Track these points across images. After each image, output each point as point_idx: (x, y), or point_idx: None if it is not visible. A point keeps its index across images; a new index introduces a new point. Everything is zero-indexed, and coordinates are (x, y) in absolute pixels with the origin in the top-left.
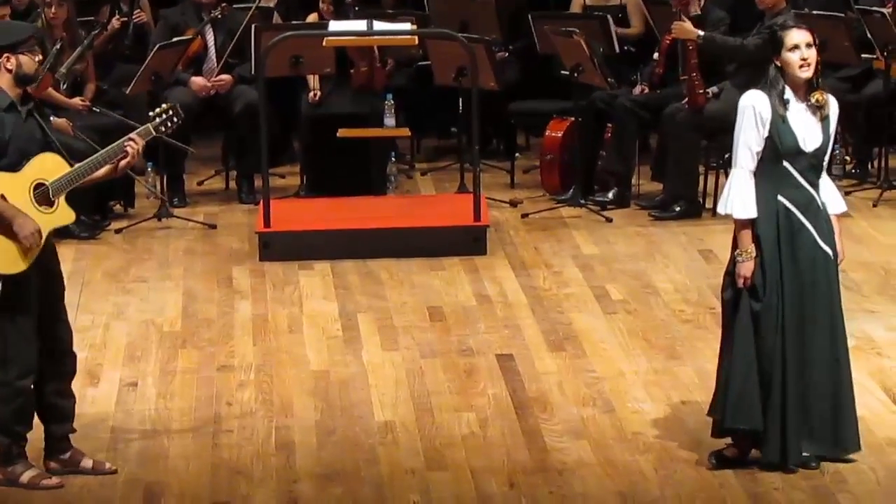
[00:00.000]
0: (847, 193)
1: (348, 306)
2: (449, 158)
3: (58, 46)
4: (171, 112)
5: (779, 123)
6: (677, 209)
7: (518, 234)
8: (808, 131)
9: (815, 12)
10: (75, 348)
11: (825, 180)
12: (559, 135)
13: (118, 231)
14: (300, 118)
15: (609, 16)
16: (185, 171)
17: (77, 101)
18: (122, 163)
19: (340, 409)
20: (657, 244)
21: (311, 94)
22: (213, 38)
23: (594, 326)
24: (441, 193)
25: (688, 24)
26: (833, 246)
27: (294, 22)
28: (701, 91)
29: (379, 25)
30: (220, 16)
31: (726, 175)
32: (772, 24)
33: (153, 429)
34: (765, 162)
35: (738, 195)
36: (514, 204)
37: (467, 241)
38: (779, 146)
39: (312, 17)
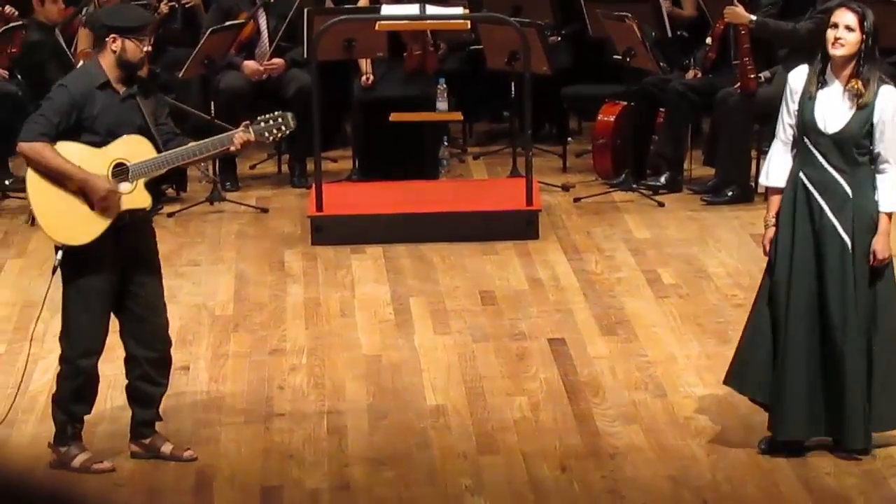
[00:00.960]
0: None
1: (400, 290)
2: (501, 142)
3: None
4: (280, 120)
5: (805, 99)
6: (729, 194)
7: (570, 218)
8: (833, 113)
9: None
10: None
11: (888, 175)
12: (611, 119)
13: (170, 215)
14: (352, 102)
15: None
16: (237, 155)
17: None
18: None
19: (392, 393)
20: (709, 228)
21: (364, 77)
22: (265, 21)
23: (646, 311)
24: (493, 178)
25: (740, 9)
26: (860, 237)
27: (346, 6)
28: (753, 76)
29: (431, 9)
30: (272, 0)
31: None
32: (826, 6)
33: (205, 412)
34: (797, 136)
35: (767, 164)
36: (566, 188)
37: (519, 226)
38: (800, 121)
39: (364, 2)
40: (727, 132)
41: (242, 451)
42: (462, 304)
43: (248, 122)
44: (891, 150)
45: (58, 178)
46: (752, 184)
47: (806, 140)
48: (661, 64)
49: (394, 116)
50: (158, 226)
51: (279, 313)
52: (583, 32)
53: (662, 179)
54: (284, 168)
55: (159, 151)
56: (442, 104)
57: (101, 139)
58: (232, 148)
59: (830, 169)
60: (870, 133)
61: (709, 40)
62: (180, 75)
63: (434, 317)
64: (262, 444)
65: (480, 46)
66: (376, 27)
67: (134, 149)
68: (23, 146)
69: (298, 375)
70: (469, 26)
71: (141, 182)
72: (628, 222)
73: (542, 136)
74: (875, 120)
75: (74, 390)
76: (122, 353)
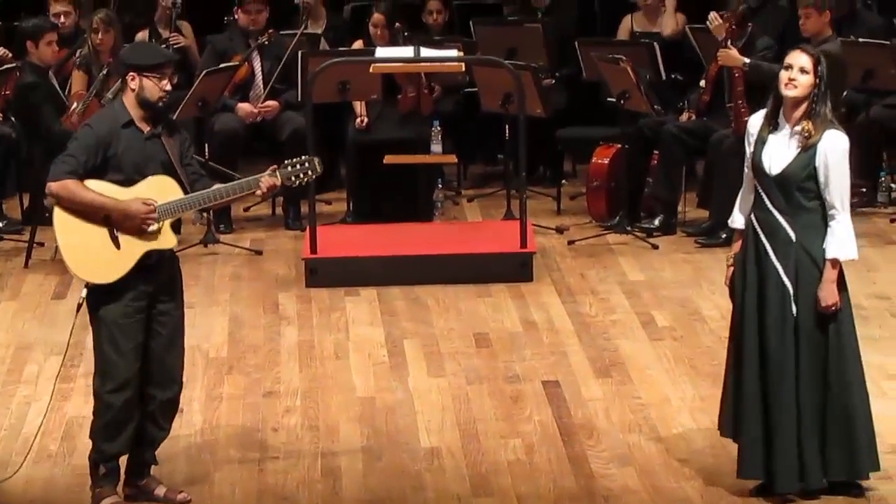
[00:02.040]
0: (893, 220)
1: (394, 332)
2: (495, 185)
3: (104, 72)
4: (306, 164)
5: (758, 142)
6: (723, 236)
7: (564, 260)
8: (778, 155)
9: (861, 40)
10: None
11: (835, 223)
12: (606, 161)
13: None
14: (347, 144)
15: (656, 43)
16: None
17: None
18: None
19: (387, 436)
20: (703, 271)
21: (359, 119)
22: (260, 64)
23: (640, 353)
24: (487, 220)
25: (733, 52)
26: (803, 284)
27: (341, 48)
28: (747, 118)
29: (426, 52)
30: (267, 42)
31: None
32: (819, 49)
33: (199, 454)
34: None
35: (735, 206)
36: (560, 230)
37: (514, 268)
38: (752, 164)
39: (358, 44)
40: (721, 175)
41: (237, 493)
42: (456, 346)
43: (275, 165)
44: (836, 197)
45: (90, 212)
46: None
47: (755, 182)
48: (656, 106)
49: (388, 159)
50: None
51: (273, 355)
52: (577, 75)
53: (657, 222)
54: (279, 210)
55: (185, 192)
56: (436, 146)
57: (126, 178)
58: (258, 192)
59: (774, 211)
60: (812, 177)
61: (703, 83)
62: (174, 117)
63: (428, 359)
64: (257, 486)
65: (475, 89)
66: (371, 70)
67: (161, 189)
68: (52, 186)
69: (293, 417)
70: (464, 69)
71: (167, 222)
72: (623, 265)
73: (537, 179)
74: (817, 163)
75: (104, 427)
76: None
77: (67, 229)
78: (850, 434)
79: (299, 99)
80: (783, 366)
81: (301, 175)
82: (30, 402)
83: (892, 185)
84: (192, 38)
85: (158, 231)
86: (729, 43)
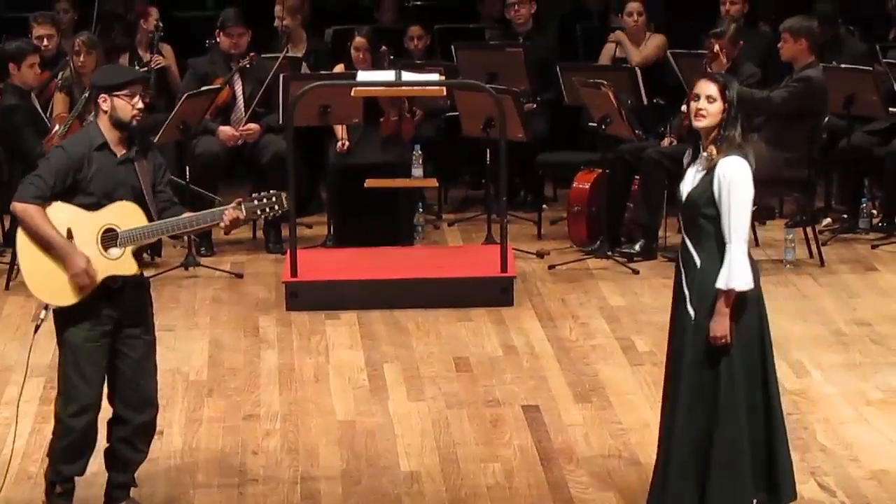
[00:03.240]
0: (874, 247)
1: (374, 356)
2: (476, 209)
3: (86, 95)
4: (273, 199)
5: (683, 173)
6: None
7: (545, 285)
8: (688, 182)
9: (843, 66)
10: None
11: (728, 252)
12: (587, 186)
13: None
14: (328, 167)
15: (637, 68)
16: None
17: None
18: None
19: (366, 459)
20: None
21: (340, 143)
22: (241, 87)
23: (620, 378)
24: (468, 244)
25: None
26: (701, 312)
27: (322, 72)
28: None
29: (407, 76)
30: (248, 65)
31: (754, 228)
32: (801, 74)
33: (178, 477)
34: None
35: None
36: (540, 255)
37: (494, 292)
38: None
39: (339, 68)
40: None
41: None
42: (436, 370)
43: (241, 199)
44: (729, 224)
45: (42, 244)
46: None
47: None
48: (637, 131)
49: (369, 182)
50: None
51: (253, 378)
52: (559, 100)
53: (637, 247)
54: (259, 234)
55: (151, 220)
56: (417, 170)
57: (95, 201)
58: (221, 224)
59: (686, 239)
60: (712, 202)
61: (684, 108)
62: (155, 140)
63: (408, 383)
64: None
65: (456, 113)
66: (352, 93)
67: (125, 215)
68: (16, 206)
69: (272, 441)
70: (445, 93)
71: (129, 249)
72: (603, 289)
73: (518, 203)
74: (714, 189)
75: (63, 449)
76: (104, 415)
77: (29, 250)
78: (735, 464)
79: (280, 122)
80: (678, 395)
81: (267, 210)
82: (10, 424)
83: (874, 212)
84: (173, 60)
85: (121, 257)
86: (710, 68)
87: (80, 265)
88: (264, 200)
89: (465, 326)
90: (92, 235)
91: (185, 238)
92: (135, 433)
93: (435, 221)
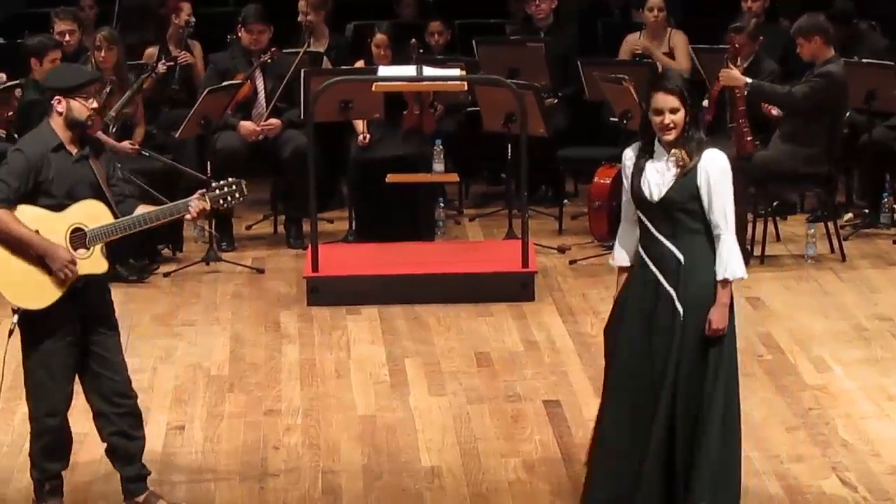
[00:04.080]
0: (895, 242)
1: (395, 351)
2: (497, 204)
3: (107, 90)
4: (234, 187)
5: (635, 172)
6: None
7: (566, 280)
8: (658, 182)
9: (864, 61)
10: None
11: (721, 242)
12: (607, 181)
13: (166, 275)
14: (348, 162)
15: (658, 62)
16: (233, 215)
17: (126, 144)
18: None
19: (387, 455)
20: None
21: (361, 137)
22: (262, 82)
23: None
24: (489, 239)
25: (735, 72)
26: (691, 307)
27: (343, 67)
28: (749, 138)
29: (428, 71)
30: (269, 60)
31: (775, 223)
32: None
33: (200, 473)
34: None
35: (615, 244)
36: (561, 250)
37: (515, 287)
38: (631, 195)
39: (359, 64)
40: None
41: None
42: (457, 365)
43: (203, 189)
44: (719, 216)
45: (18, 245)
46: (748, 247)
47: (639, 213)
48: None
49: (390, 178)
50: (154, 286)
51: (274, 374)
52: (580, 95)
53: None
54: (280, 229)
55: (115, 214)
56: (438, 165)
57: (57, 202)
58: (188, 216)
59: (661, 237)
60: (696, 198)
61: (705, 102)
62: (177, 135)
63: (429, 378)
64: None
65: (477, 108)
66: (373, 88)
67: (91, 214)
68: None
69: (293, 436)
70: (466, 88)
71: (98, 247)
72: None
73: (539, 198)
74: (699, 183)
75: (44, 448)
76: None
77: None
78: (732, 459)
79: (301, 117)
80: (675, 393)
81: (228, 198)
82: None
83: (895, 207)
84: (200, 57)
85: (90, 256)
86: (730, 63)
87: (64, 256)
88: (225, 189)
89: (486, 321)
90: (60, 236)
91: (207, 233)
92: (123, 423)
93: (456, 216)
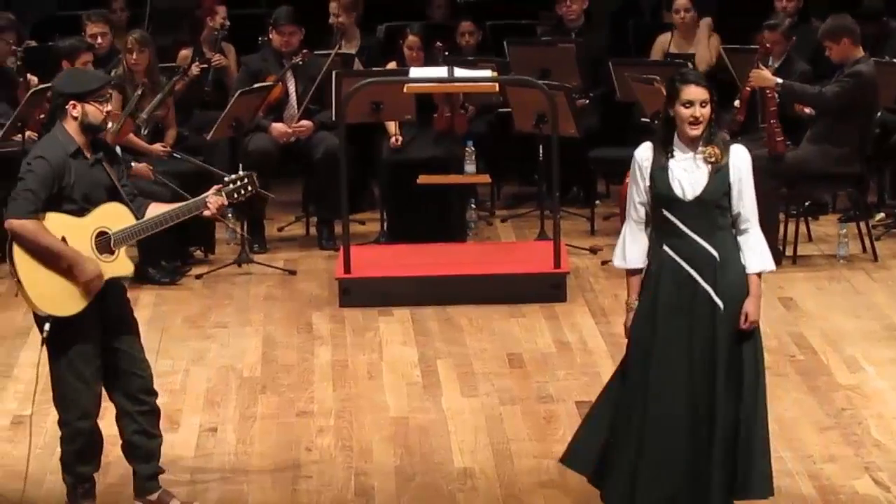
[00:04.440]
0: None
1: (428, 352)
2: (529, 205)
3: (138, 92)
4: (246, 181)
5: (657, 172)
6: None
7: (597, 281)
8: (690, 179)
9: (894, 59)
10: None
11: (751, 235)
12: None
13: (198, 277)
14: (380, 164)
15: (690, 63)
16: (265, 217)
17: (158, 146)
18: (205, 213)
19: (420, 456)
20: None
21: (392, 139)
22: (293, 84)
23: None
24: (521, 240)
25: (766, 73)
26: (733, 300)
27: (375, 69)
28: (780, 138)
29: (459, 72)
30: (301, 62)
31: (807, 223)
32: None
33: (232, 474)
34: (653, 212)
35: (620, 246)
36: (593, 251)
37: (547, 288)
38: (655, 195)
39: (391, 65)
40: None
41: None
42: (489, 366)
43: (219, 185)
44: (749, 209)
45: (48, 256)
46: (780, 247)
47: (665, 212)
48: None
49: (422, 179)
50: (186, 288)
51: (307, 375)
52: (611, 95)
53: None
54: (312, 230)
55: (136, 217)
56: (470, 166)
57: (78, 207)
58: (206, 212)
59: (694, 235)
60: (727, 194)
61: (737, 103)
62: (208, 137)
63: (461, 379)
64: None
65: (508, 109)
66: (405, 90)
67: (113, 216)
68: (13, 223)
69: (326, 437)
70: (497, 89)
71: (122, 249)
72: None
73: (570, 199)
74: (732, 179)
75: (77, 452)
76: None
77: (27, 262)
78: (762, 452)
79: (333, 119)
80: (715, 386)
81: (242, 191)
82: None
83: None
84: (234, 60)
85: (115, 259)
86: (761, 63)
87: (93, 270)
88: (238, 183)
89: (518, 322)
90: (86, 241)
91: (238, 235)
92: (145, 421)
93: (487, 217)
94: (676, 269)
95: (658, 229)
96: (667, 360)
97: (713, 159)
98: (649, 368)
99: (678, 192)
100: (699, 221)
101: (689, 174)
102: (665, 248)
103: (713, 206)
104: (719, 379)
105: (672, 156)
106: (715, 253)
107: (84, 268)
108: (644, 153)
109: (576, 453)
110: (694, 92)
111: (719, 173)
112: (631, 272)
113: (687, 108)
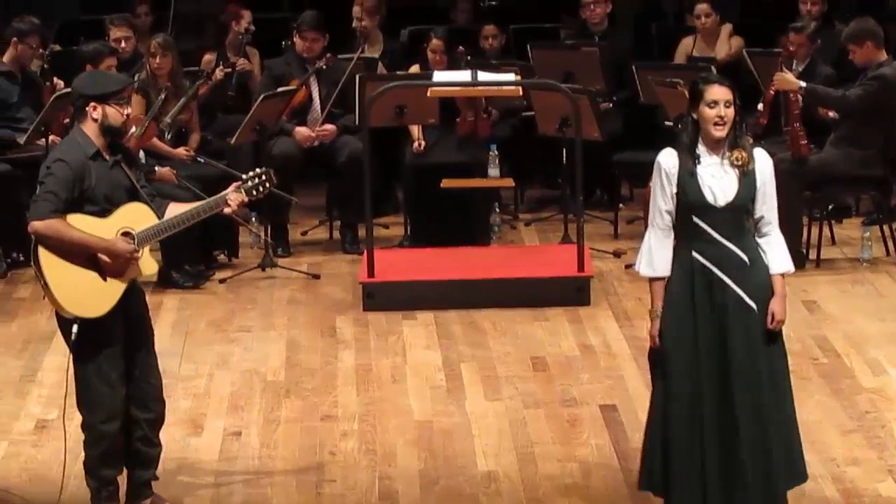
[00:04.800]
0: None
1: (451, 356)
2: (552, 209)
3: (162, 96)
4: (263, 177)
5: (686, 178)
6: None
7: (621, 284)
8: (720, 185)
9: None
10: (180, 397)
11: (773, 237)
12: None
13: (222, 281)
14: (404, 168)
15: (713, 66)
16: (289, 221)
17: (181, 150)
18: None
19: (444, 459)
20: None
21: (416, 143)
22: (317, 88)
23: None
24: (544, 244)
25: (789, 76)
26: (763, 302)
27: (398, 73)
28: (804, 142)
29: (483, 76)
30: (324, 66)
31: (830, 226)
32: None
33: (256, 478)
34: (679, 218)
35: (646, 254)
36: (617, 254)
37: (570, 292)
38: (685, 201)
39: (414, 69)
40: (778, 198)
41: None
42: (513, 369)
43: (238, 182)
44: (772, 213)
45: (76, 250)
46: (804, 250)
47: (695, 219)
48: None
49: (445, 183)
50: (210, 292)
51: (330, 379)
52: (634, 99)
53: None
54: (336, 234)
55: (158, 216)
56: (493, 170)
57: (100, 208)
58: (227, 210)
59: (723, 240)
60: (753, 198)
61: (760, 106)
62: (232, 142)
63: (485, 382)
64: None
65: (532, 113)
66: (428, 94)
67: (136, 216)
68: (37, 225)
69: (350, 441)
70: (521, 93)
71: (146, 249)
72: None
73: (594, 203)
74: (758, 184)
75: (101, 455)
76: None
77: (54, 266)
78: (792, 444)
79: (356, 123)
80: (751, 387)
81: (260, 188)
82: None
83: None
84: (258, 65)
85: (140, 258)
86: (784, 66)
87: (125, 248)
88: (256, 180)
89: (541, 326)
90: None
91: (262, 239)
92: (149, 430)
93: (511, 221)
94: (706, 275)
95: (686, 235)
96: (710, 367)
97: (741, 163)
98: (694, 377)
99: (710, 198)
100: (729, 226)
101: (717, 180)
102: (694, 253)
103: (743, 211)
104: (763, 380)
105: (699, 161)
106: (744, 256)
107: (117, 247)
108: (670, 160)
109: (650, 476)
110: (718, 92)
111: (747, 178)
112: (657, 280)
113: (712, 108)
